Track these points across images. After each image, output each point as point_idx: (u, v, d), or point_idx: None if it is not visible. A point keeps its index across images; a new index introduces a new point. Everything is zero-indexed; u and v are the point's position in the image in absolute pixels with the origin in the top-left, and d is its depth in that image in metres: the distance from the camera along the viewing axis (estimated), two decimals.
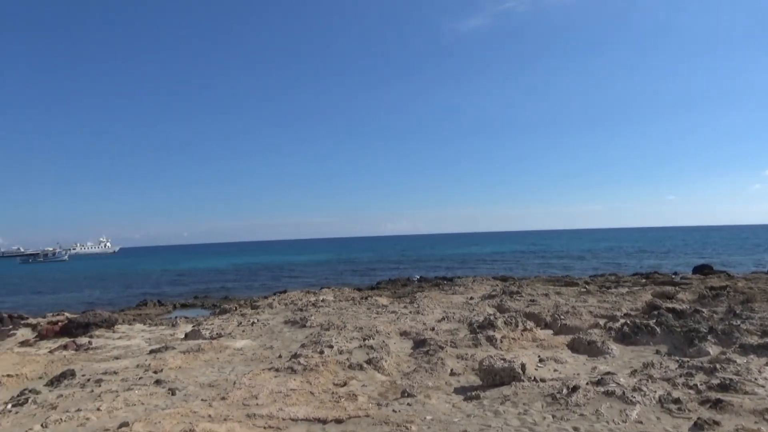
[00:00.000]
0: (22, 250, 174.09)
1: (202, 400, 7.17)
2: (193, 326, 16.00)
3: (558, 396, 6.55)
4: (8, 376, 9.73)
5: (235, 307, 21.37)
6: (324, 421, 6.11)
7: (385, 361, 8.96)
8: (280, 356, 10.23)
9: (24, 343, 15.72)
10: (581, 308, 14.26)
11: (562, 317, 13.05)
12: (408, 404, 6.71)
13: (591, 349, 9.92)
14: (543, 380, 7.42)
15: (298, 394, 7.18)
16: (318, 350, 9.89)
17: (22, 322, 20.38)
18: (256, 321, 15.28)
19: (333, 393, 7.26)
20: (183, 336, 14.01)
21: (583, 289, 20.84)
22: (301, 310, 17.36)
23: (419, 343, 10.59)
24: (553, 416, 6.06)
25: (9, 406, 7.63)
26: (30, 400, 7.79)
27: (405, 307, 16.91)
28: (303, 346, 10.77)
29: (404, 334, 11.99)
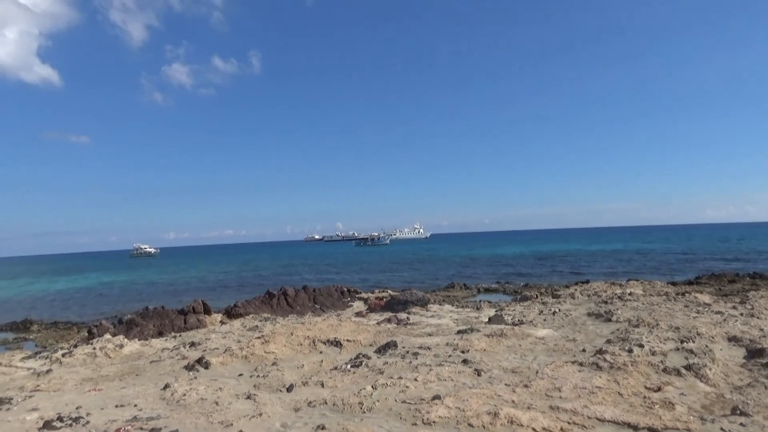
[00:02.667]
0: (356, 234, 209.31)
1: (505, 384, 7.41)
2: (496, 311, 16.64)
3: None
4: (348, 341, 11.71)
5: (536, 295, 21.42)
6: (635, 427, 5.65)
7: (710, 369, 7.80)
8: (583, 350, 9.85)
9: (358, 314, 18.72)
10: None
11: None
12: (741, 424, 5.71)
13: None
14: None
15: (604, 392, 6.81)
16: (626, 348, 9.20)
17: (357, 295, 24.34)
18: (557, 310, 15.05)
19: (645, 397, 6.66)
20: (487, 320, 14.66)
21: None
22: (605, 302, 16.40)
23: (755, 353, 8.91)
24: None
25: (349, 366, 9.19)
26: (363, 364, 9.24)
27: (734, 307, 14.42)
28: (609, 341, 10.17)
29: (734, 339, 10.23)
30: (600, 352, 9.07)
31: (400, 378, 7.89)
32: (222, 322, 18.72)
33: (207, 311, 19.22)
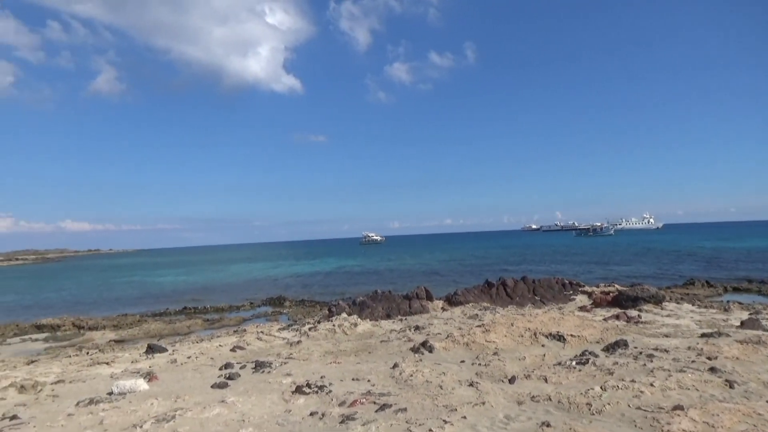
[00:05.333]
0: (576, 224, 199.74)
1: (767, 402, 6.35)
2: (750, 314, 14.38)
3: None
4: (572, 336, 11.22)
5: None
6: None
7: None
8: None
9: (582, 308, 17.81)
10: None
11: None
12: None
13: None
14: None
15: None
16: None
17: (580, 289, 23.13)
18: None
19: None
20: (738, 323, 12.74)
21: None
22: None
23: None
24: None
25: (574, 363, 8.81)
26: (590, 362, 8.76)
27: None
28: None
29: None
30: None
31: (633, 381, 7.29)
32: (443, 309, 19.48)
33: (429, 297, 20.20)
